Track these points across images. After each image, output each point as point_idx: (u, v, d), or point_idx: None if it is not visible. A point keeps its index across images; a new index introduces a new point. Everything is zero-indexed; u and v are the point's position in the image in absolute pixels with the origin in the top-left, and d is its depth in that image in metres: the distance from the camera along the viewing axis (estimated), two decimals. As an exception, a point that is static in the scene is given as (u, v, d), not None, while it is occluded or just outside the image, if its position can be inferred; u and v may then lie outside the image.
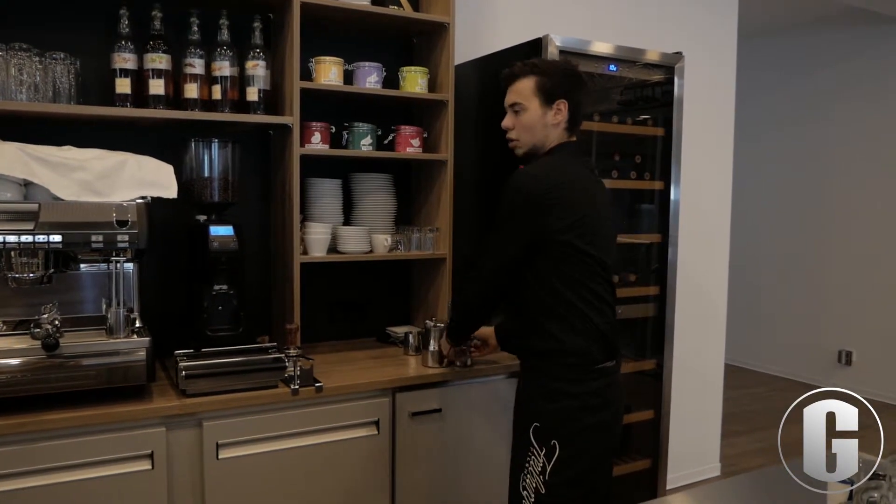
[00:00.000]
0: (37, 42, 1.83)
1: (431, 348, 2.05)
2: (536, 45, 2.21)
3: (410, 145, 2.28)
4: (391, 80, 2.29)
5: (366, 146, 2.23)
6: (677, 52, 2.51)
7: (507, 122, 1.75)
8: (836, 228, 5.03)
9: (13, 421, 1.49)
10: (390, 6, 2.25)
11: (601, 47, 2.36)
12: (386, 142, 2.32)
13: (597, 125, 2.56)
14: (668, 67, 2.51)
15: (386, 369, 2.01)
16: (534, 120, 1.70)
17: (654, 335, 2.67)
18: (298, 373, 1.81)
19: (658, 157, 2.63)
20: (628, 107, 2.70)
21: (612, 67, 2.42)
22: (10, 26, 1.88)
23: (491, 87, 2.04)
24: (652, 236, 2.67)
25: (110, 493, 1.59)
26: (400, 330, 2.36)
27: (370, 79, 2.22)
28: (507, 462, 1.77)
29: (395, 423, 1.94)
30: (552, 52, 2.19)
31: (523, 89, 1.70)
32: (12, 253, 1.59)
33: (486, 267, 1.72)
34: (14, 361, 1.53)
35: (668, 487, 2.77)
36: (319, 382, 1.83)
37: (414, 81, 2.27)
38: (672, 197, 2.57)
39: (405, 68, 2.28)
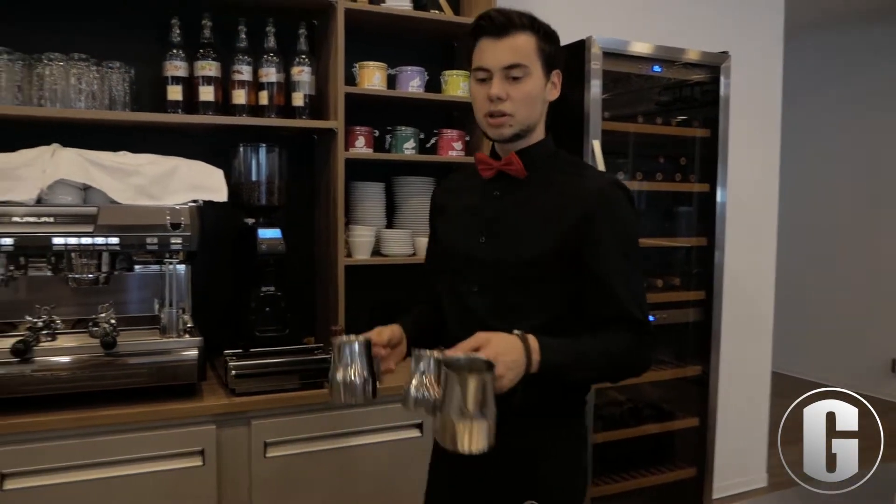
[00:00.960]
0: (94, 52, 1.89)
1: (462, 407, 0.99)
2: (579, 47, 2.20)
3: (453, 148, 2.29)
4: (433, 84, 2.31)
5: (409, 150, 2.25)
6: (723, 52, 2.47)
7: (498, 89, 1.18)
8: (887, 232, 4.85)
9: (71, 416, 1.55)
10: (431, 10, 2.27)
11: (644, 48, 2.33)
12: (428, 145, 2.33)
13: (634, 126, 2.52)
14: (714, 67, 2.47)
15: (429, 371, 2.01)
16: (537, 90, 1.21)
17: (697, 341, 2.62)
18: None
19: (698, 157, 2.58)
20: (670, 107, 2.66)
21: (657, 69, 2.40)
22: (70, 36, 1.95)
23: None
24: (694, 239, 2.61)
25: (163, 488, 1.63)
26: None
27: (413, 83, 2.23)
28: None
29: (438, 425, 1.94)
30: (595, 54, 2.18)
31: (524, 47, 1.20)
32: (73, 254, 1.65)
33: (639, 286, 1.25)
34: (73, 359, 1.59)
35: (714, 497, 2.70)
36: (364, 383, 1.84)
37: (456, 85, 2.27)
38: (718, 199, 2.52)
39: (447, 72, 2.30)
